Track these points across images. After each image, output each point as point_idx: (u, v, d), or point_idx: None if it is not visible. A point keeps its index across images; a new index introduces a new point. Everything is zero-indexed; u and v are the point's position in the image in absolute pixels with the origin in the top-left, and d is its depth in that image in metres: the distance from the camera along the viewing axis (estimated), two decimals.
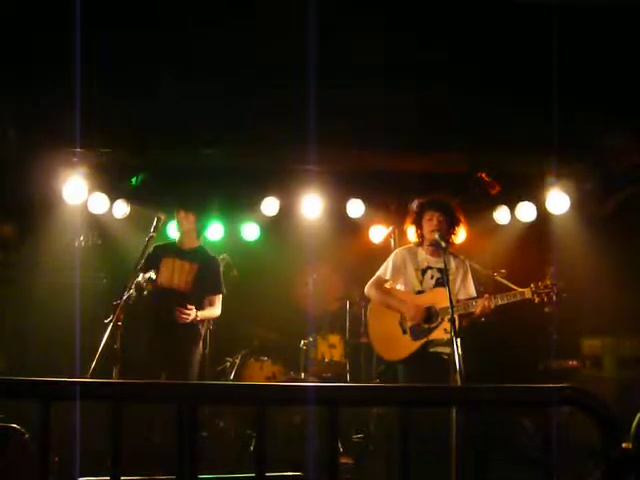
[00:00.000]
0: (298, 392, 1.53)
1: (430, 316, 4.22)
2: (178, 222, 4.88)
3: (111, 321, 3.80)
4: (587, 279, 5.42)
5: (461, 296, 4.29)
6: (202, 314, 4.66)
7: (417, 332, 4.23)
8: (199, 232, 4.96)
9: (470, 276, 4.36)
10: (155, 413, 4.42)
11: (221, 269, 5.02)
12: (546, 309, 4.48)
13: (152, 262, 4.64)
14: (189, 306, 4.53)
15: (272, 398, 1.48)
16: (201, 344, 4.86)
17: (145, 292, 4.41)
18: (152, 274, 4.43)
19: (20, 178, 5.53)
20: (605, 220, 5.75)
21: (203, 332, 4.88)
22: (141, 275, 4.32)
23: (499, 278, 4.27)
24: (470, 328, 4.22)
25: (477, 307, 4.10)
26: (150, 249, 4.51)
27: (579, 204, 5.75)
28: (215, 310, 4.82)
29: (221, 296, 4.87)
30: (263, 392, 1.47)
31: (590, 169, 5.46)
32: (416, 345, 4.21)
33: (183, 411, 1.51)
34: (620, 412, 1.58)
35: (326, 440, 1.52)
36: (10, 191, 5.58)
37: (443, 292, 3.96)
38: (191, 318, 4.53)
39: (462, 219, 4.40)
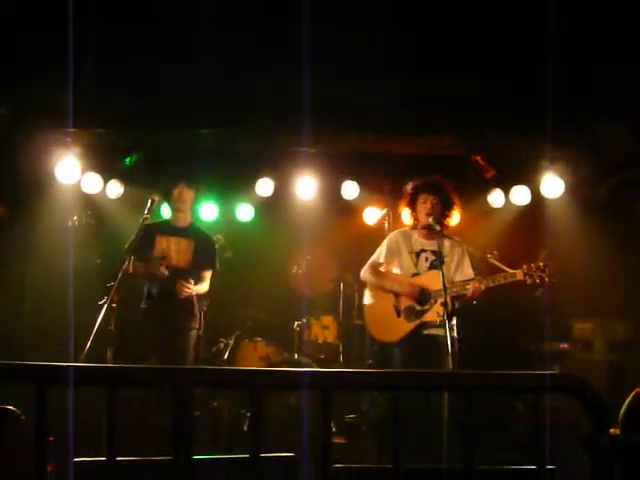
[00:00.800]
0: (291, 378, 1.54)
1: (423, 297, 4.24)
2: (175, 198, 4.86)
3: (105, 303, 3.81)
4: (579, 262, 5.45)
5: (457, 278, 4.29)
6: (197, 289, 4.79)
7: (410, 314, 4.26)
8: (194, 209, 5.01)
9: (467, 258, 4.36)
10: (150, 395, 4.45)
11: (216, 246, 5.08)
12: (537, 293, 4.51)
13: (145, 241, 4.64)
14: (190, 280, 4.64)
15: (266, 384, 1.50)
16: (198, 318, 4.92)
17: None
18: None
19: (13, 157, 5.48)
20: (598, 205, 5.77)
21: (197, 310, 4.93)
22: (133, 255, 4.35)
23: (492, 260, 4.28)
24: (462, 310, 4.25)
25: (469, 289, 4.12)
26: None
27: (573, 188, 5.76)
28: (205, 285, 4.90)
29: (211, 272, 4.92)
30: (258, 378, 1.48)
31: (584, 154, 5.46)
32: (410, 327, 4.24)
33: (178, 394, 1.52)
34: (610, 395, 1.60)
35: (319, 423, 1.53)
36: (2, 170, 5.53)
37: (438, 275, 3.98)
38: (190, 291, 4.65)
39: (456, 201, 4.40)
